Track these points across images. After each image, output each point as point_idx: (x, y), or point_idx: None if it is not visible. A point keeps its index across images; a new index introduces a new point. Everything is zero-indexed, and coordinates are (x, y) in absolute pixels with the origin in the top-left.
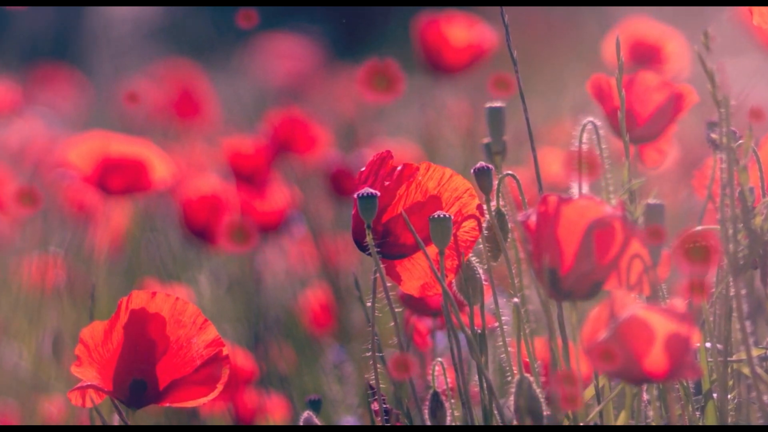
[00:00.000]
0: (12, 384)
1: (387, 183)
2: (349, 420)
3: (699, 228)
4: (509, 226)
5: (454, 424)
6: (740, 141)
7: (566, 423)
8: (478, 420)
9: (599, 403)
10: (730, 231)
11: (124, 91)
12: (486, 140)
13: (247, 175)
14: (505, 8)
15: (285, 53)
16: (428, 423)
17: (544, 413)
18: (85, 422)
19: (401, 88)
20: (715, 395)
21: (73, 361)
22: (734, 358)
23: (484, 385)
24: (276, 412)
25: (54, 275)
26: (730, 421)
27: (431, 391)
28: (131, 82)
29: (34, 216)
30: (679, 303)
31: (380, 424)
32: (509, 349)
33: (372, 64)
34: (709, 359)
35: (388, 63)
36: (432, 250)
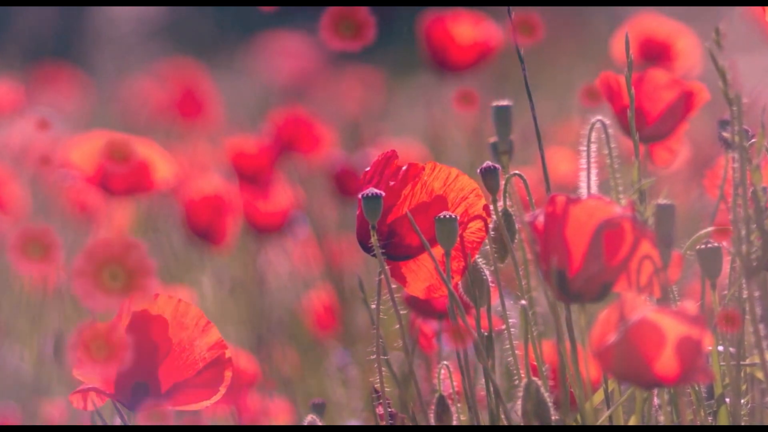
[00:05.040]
0: (13, 386)
1: (392, 183)
2: (353, 424)
3: (711, 229)
4: (516, 226)
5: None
6: (753, 140)
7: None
8: (485, 424)
9: (608, 407)
10: (743, 232)
11: (126, 90)
12: (493, 139)
13: (251, 176)
14: (512, 6)
15: (289, 52)
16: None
17: (552, 418)
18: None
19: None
20: (727, 400)
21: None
22: (747, 361)
23: (491, 388)
24: (279, 415)
25: (56, 276)
26: None
27: (437, 395)
28: (134, 82)
29: (36, 216)
30: (691, 305)
31: (385, 425)
32: (516, 352)
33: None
34: (722, 363)
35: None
36: (438, 251)
